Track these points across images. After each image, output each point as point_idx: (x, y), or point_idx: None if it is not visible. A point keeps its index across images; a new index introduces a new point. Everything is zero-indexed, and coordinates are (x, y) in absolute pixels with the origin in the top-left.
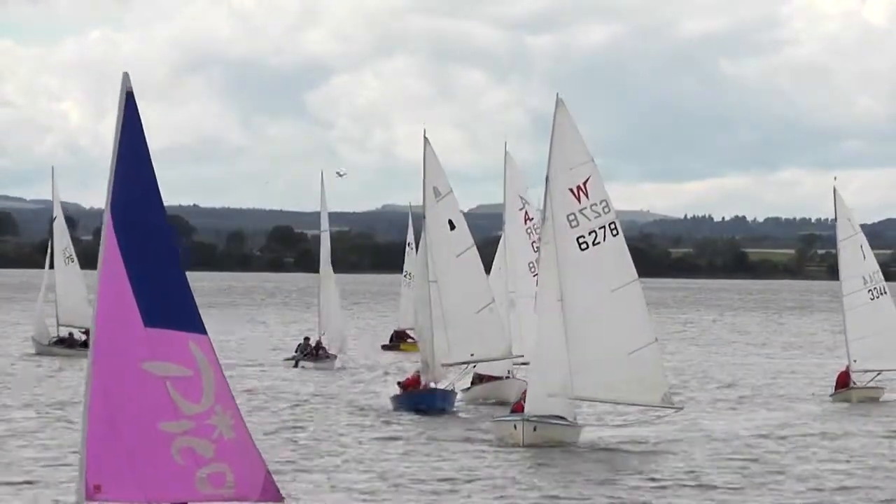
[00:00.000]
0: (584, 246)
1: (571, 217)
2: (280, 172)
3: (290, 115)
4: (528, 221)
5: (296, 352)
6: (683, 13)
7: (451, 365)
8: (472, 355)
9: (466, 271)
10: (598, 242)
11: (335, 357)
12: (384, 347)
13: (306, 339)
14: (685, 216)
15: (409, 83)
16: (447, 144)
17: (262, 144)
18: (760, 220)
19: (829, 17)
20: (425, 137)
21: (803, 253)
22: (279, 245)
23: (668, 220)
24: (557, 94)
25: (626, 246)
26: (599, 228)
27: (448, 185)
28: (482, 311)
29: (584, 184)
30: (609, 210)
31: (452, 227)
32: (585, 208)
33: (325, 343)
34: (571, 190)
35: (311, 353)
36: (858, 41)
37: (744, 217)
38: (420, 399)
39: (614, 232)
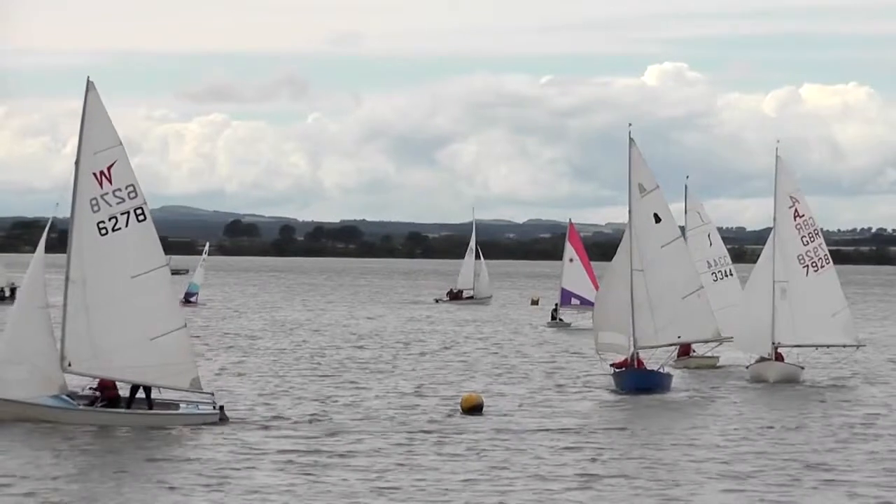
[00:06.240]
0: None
1: (93, 202)
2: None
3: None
4: (797, 218)
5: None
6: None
7: (657, 347)
8: (678, 337)
9: (672, 260)
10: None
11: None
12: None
13: None
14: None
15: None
16: None
17: None
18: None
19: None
20: (630, 138)
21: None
22: None
23: None
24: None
25: None
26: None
27: (654, 182)
28: (689, 297)
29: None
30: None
31: (658, 220)
32: (107, 193)
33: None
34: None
35: None
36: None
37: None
38: (644, 379)
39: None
